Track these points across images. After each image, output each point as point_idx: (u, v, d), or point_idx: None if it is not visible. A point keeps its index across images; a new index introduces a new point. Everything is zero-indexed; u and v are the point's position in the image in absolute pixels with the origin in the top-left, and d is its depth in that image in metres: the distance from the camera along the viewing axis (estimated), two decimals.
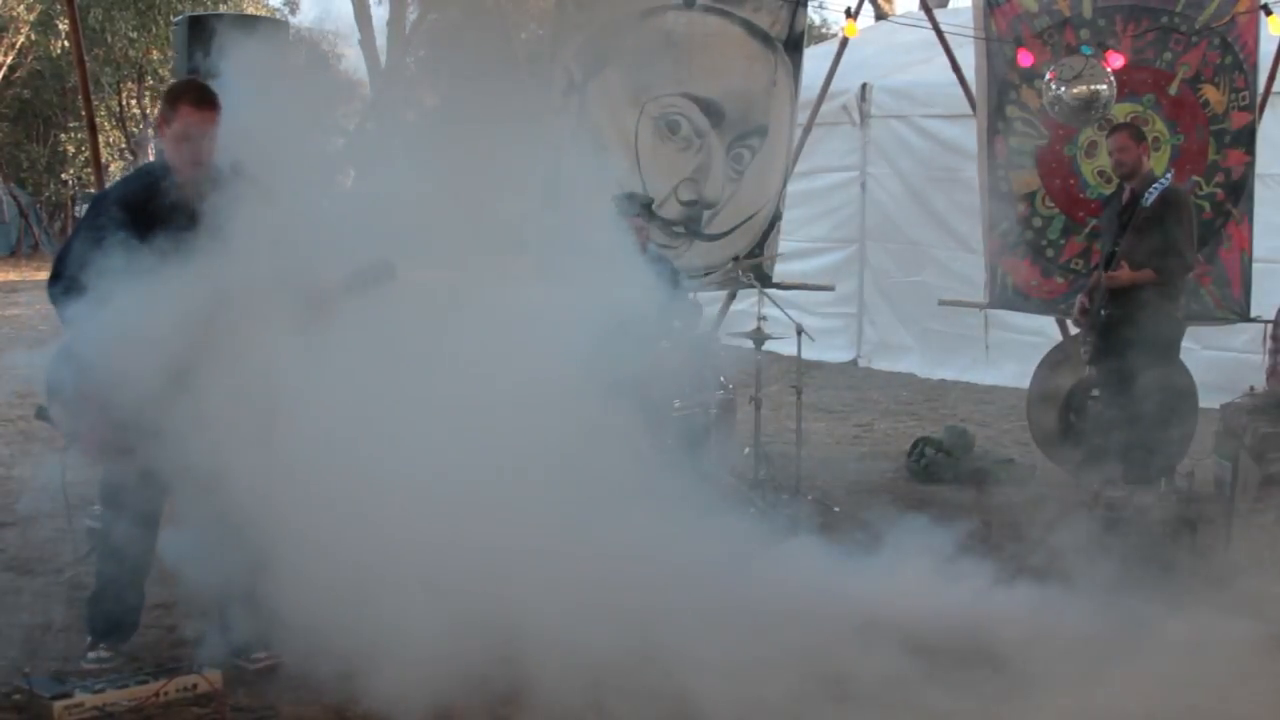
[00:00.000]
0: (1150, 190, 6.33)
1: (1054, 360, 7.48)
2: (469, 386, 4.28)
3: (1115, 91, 7.07)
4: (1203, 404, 6.97)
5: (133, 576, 4.20)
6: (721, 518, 4.98)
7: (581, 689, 3.85)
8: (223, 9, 21.59)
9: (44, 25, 23.82)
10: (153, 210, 4.01)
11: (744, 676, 3.94)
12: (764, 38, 8.18)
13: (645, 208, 6.60)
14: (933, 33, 8.46)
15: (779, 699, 3.87)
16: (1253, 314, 7.51)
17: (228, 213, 3.95)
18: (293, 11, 26.50)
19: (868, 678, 3.97)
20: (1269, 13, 7.35)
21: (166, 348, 3.76)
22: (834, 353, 11.44)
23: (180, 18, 6.17)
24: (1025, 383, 7.74)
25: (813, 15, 13.40)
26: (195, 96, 4.16)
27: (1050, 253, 7.74)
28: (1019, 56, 7.60)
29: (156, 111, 4.28)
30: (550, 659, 3.94)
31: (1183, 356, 6.73)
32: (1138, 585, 4.61)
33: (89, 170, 23.90)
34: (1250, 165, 7.48)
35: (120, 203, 4.08)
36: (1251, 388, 5.95)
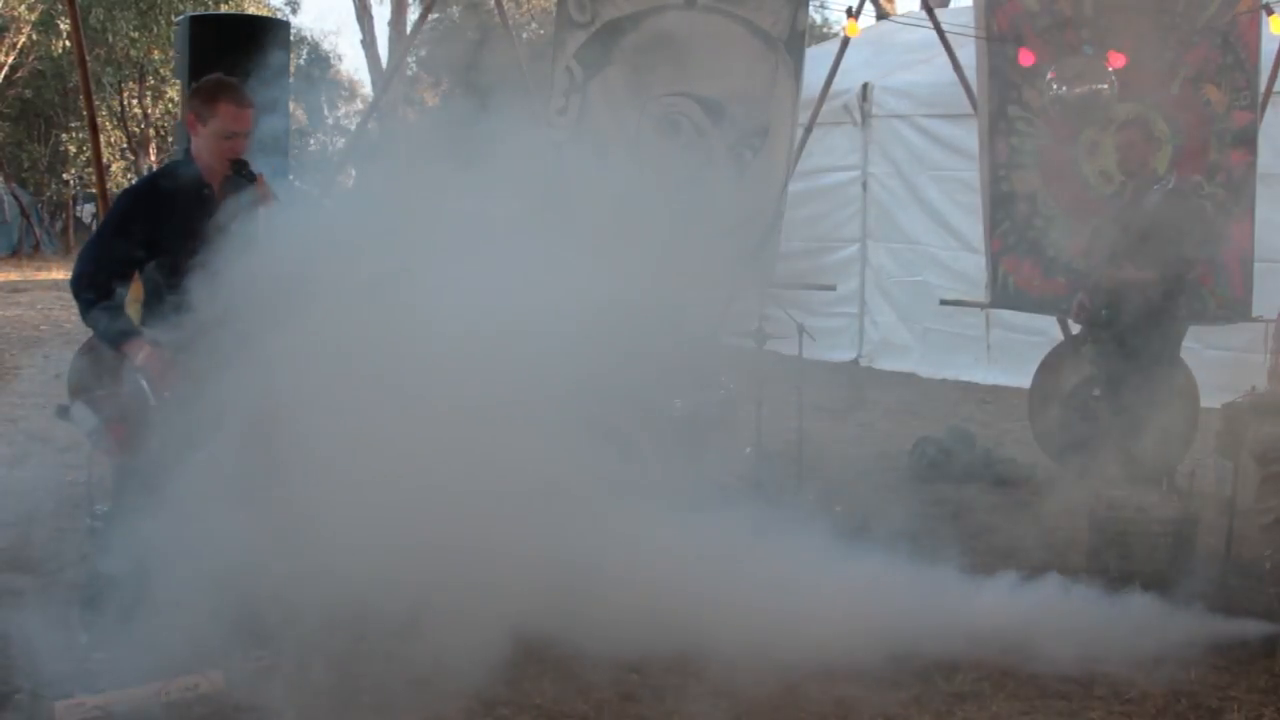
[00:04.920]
0: (1153, 189, 6.32)
1: (1055, 360, 7.47)
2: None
3: (1116, 91, 7.06)
4: (1204, 404, 6.96)
5: (137, 572, 4.16)
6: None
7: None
8: (224, 9, 21.59)
9: (45, 25, 23.83)
10: (176, 206, 4.01)
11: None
12: (765, 37, 8.17)
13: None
14: (934, 32, 8.45)
15: None
16: (1254, 314, 7.50)
17: (251, 211, 3.95)
18: (294, 11, 26.57)
19: None
20: (1270, 12, 7.34)
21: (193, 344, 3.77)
22: (835, 352, 11.43)
23: (182, 17, 6.18)
24: (1026, 382, 7.73)
25: (814, 15, 13.40)
26: (236, 94, 4.16)
27: (1051, 252, 7.72)
28: (1020, 56, 7.58)
29: (188, 108, 4.21)
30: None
31: (1184, 356, 6.71)
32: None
33: (90, 170, 23.90)
34: (1252, 165, 7.47)
35: (144, 198, 4.08)
36: (1253, 387, 5.94)
